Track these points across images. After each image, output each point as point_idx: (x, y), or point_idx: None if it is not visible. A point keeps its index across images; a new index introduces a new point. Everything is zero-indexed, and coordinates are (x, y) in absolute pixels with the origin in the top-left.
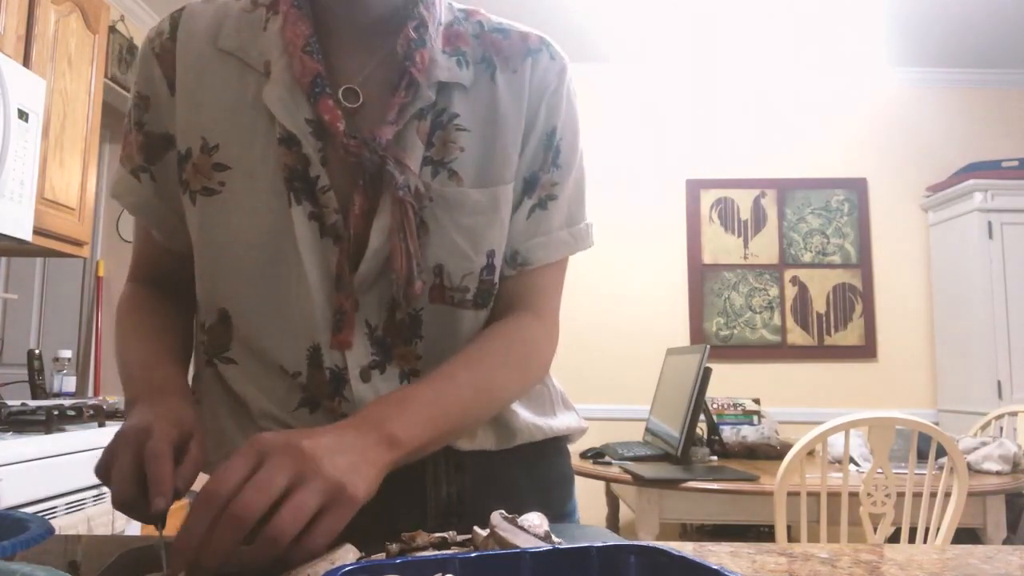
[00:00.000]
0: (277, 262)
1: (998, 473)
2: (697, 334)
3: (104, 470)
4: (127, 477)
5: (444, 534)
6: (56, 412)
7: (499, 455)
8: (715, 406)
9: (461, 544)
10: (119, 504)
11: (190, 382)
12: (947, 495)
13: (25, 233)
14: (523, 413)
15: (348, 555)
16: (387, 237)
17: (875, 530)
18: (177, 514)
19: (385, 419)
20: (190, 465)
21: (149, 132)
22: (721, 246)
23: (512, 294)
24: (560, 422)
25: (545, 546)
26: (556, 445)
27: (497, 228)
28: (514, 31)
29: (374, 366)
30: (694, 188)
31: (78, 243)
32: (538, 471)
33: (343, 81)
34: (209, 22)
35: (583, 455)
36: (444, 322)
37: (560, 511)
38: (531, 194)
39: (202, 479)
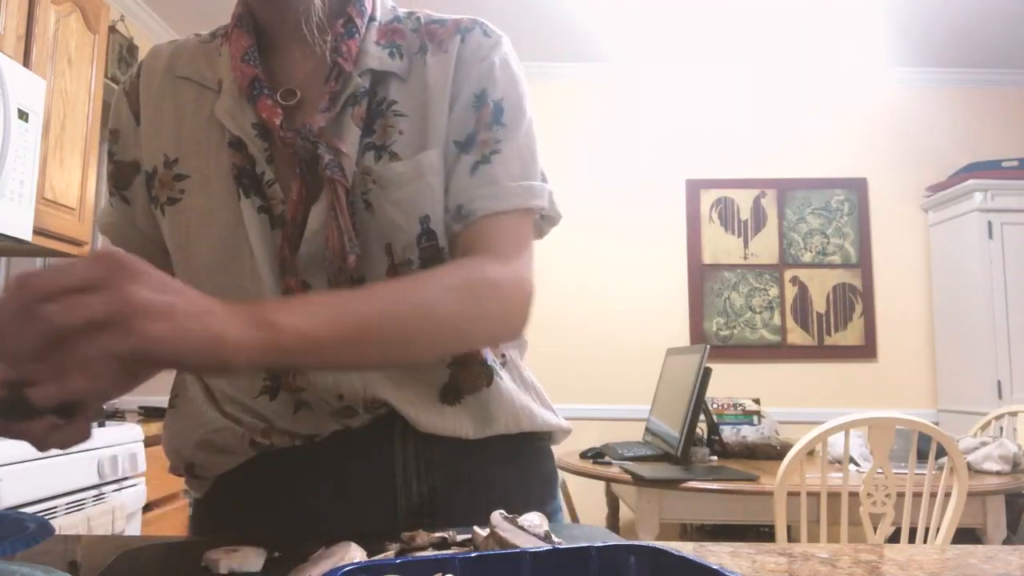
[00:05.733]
0: (233, 256)
1: (998, 473)
2: (697, 334)
3: None
4: None
5: (444, 534)
6: None
7: (475, 449)
8: (715, 406)
9: (461, 544)
10: None
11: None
12: (947, 495)
13: (25, 233)
14: (506, 389)
15: (354, 554)
16: (325, 219)
17: (875, 530)
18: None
19: (266, 306)
20: None
21: (119, 161)
22: (721, 246)
23: (465, 245)
24: (540, 416)
25: (545, 546)
26: (535, 444)
27: (427, 193)
28: (451, 19)
29: None
30: (694, 188)
31: (78, 243)
32: (515, 469)
33: (284, 84)
34: (168, 57)
35: (583, 455)
36: None
37: (540, 511)
38: (470, 151)
39: None
